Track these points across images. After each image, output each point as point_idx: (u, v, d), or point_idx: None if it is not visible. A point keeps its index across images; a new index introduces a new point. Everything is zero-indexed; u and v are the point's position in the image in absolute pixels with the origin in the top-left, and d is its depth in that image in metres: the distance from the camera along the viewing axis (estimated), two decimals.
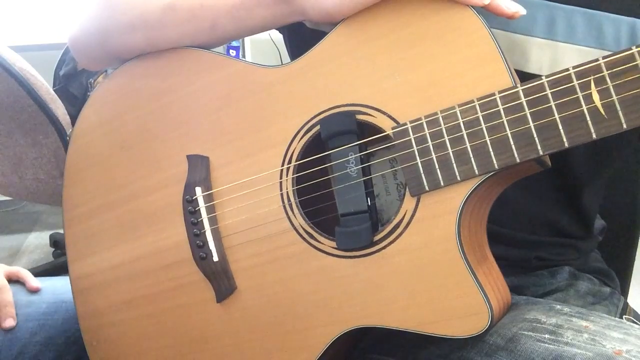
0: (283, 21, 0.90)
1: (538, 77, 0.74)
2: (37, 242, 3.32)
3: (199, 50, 0.94)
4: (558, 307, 0.87)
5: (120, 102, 1.00)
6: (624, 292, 1.19)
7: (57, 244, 3.06)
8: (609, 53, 0.70)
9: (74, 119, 2.17)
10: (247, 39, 2.50)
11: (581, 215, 1.02)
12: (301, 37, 0.98)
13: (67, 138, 2.07)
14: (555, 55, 0.86)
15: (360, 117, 0.83)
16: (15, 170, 2.21)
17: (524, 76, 0.78)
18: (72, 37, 1.04)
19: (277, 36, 1.08)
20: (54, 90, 2.16)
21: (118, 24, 0.97)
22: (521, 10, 0.78)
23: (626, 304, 1.04)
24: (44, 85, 2.06)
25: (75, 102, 2.66)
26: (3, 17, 3.10)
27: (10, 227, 3.47)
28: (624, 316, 1.01)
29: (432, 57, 0.79)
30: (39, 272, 2.38)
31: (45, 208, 3.36)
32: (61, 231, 3.15)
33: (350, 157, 0.84)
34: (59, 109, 2.09)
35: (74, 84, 2.70)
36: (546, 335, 0.79)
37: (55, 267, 2.80)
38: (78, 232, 1.04)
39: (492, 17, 0.78)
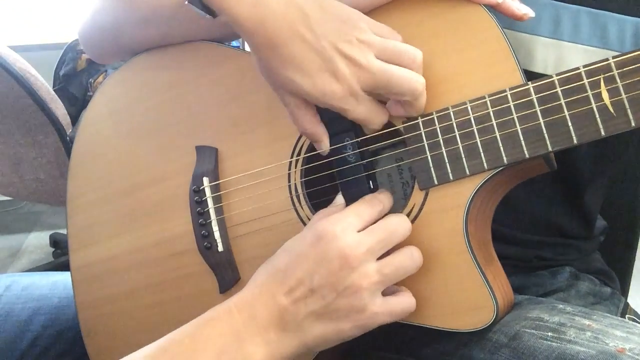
0: None
1: (543, 76, 0.75)
2: (37, 242, 3.31)
3: (211, 43, 0.95)
4: (561, 306, 0.88)
5: (131, 93, 1.01)
6: (624, 292, 1.19)
7: (57, 244, 3.05)
8: (616, 53, 0.71)
9: (74, 119, 2.18)
10: None
11: (583, 215, 1.03)
12: None
13: (67, 138, 2.07)
14: (560, 55, 0.87)
15: None
16: (15, 170, 2.21)
17: (529, 75, 0.79)
18: (82, 31, 1.04)
19: None
20: (54, 90, 2.16)
21: (132, 19, 0.97)
22: (530, 13, 0.79)
23: (627, 304, 1.04)
24: (44, 85, 2.06)
25: (75, 102, 2.66)
26: (3, 17, 3.10)
27: (10, 227, 3.45)
28: (625, 316, 1.02)
29: (444, 54, 0.80)
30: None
31: (45, 208, 3.35)
32: (61, 231, 3.16)
33: (346, 142, 0.84)
34: (59, 109, 2.10)
35: (74, 84, 2.71)
36: (549, 333, 0.80)
37: (55, 267, 2.79)
38: (81, 221, 1.05)
39: (499, 16, 0.79)
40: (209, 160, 0.93)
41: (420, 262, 0.79)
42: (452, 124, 0.78)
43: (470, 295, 0.78)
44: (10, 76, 1.98)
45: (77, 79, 2.71)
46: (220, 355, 0.73)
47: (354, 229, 0.77)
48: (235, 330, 0.74)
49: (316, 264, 0.75)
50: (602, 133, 0.72)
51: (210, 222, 0.93)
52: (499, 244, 0.86)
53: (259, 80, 0.90)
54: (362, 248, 0.76)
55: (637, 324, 0.82)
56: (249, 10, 0.76)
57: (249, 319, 0.75)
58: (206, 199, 0.93)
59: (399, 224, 0.79)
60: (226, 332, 0.74)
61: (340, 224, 0.77)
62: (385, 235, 0.78)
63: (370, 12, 0.84)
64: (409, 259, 0.79)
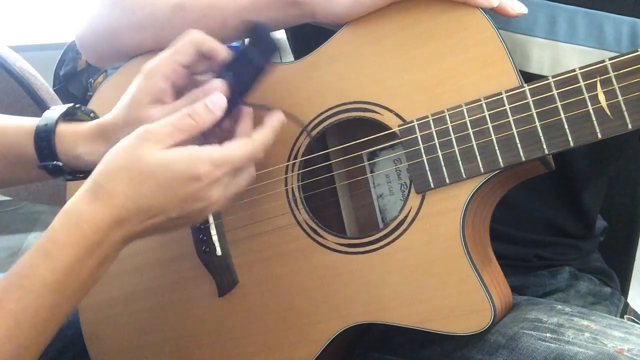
0: (292, 23, 0.91)
1: (539, 77, 0.75)
2: None
3: None
4: (559, 307, 0.88)
5: None
6: (624, 292, 1.19)
7: None
8: (614, 54, 0.71)
9: None
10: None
11: (582, 215, 1.02)
12: (304, 35, 0.99)
13: None
14: (556, 56, 0.87)
15: (367, 114, 0.84)
16: None
17: (525, 76, 0.79)
18: (80, 35, 1.04)
19: (277, 36, 1.08)
20: (54, 90, 2.16)
21: (127, 23, 0.97)
22: (524, 10, 0.80)
23: (626, 304, 1.04)
24: (44, 85, 2.06)
25: (75, 102, 2.65)
26: (3, 17, 3.10)
27: (10, 227, 3.44)
28: (624, 316, 1.02)
29: (440, 56, 0.80)
30: None
31: (45, 208, 3.33)
32: None
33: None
34: None
35: (74, 84, 2.71)
36: (547, 334, 0.80)
37: None
38: None
39: (494, 17, 0.79)
40: None
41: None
42: (448, 127, 0.78)
43: (467, 298, 0.78)
44: (10, 76, 1.97)
45: (77, 79, 2.71)
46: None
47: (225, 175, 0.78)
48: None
49: (181, 204, 0.77)
50: (599, 136, 0.72)
51: (208, 226, 0.93)
52: (498, 243, 0.86)
53: None
54: (225, 194, 0.79)
55: (636, 325, 0.82)
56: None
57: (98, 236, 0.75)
58: None
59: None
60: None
61: (219, 169, 0.77)
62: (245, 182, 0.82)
63: (367, 15, 0.84)
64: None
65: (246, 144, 0.80)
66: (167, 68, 0.84)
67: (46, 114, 0.91)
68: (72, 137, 0.88)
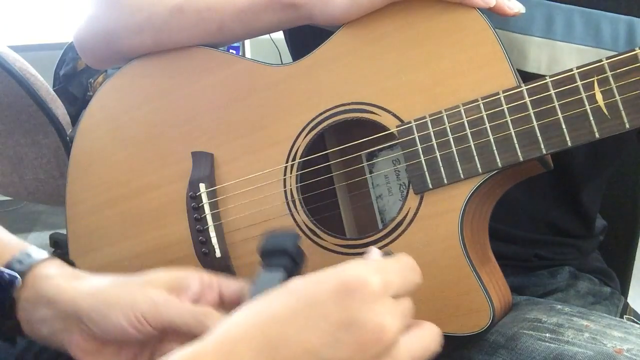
0: (290, 25, 0.91)
1: (536, 76, 0.74)
2: (37, 242, 3.25)
3: (206, 48, 0.95)
4: (559, 306, 0.88)
5: (127, 98, 1.00)
6: (624, 292, 1.19)
7: (57, 244, 3.04)
8: (611, 53, 0.71)
9: (74, 119, 2.18)
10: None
11: (581, 214, 1.02)
12: (302, 36, 0.99)
13: (67, 138, 2.07)
14: (553, 55, 0.87)
15: (365, 115, 0.84)
16: (15, 170, 2.21)
17: (522, 75, 0.79)
18: (77, 36, 1.04)
19: (277, 36, 1.09)
20: (54, 90, 2.16)
21: (125, 26, 0.97)
22: (522, 9, 0.80)
23: (626, 304, 1.04)
24: (44, 85, 2.06)
25: (75, 102, 2.66)
26: (3, 17, 3.10)
27: (10, 227, 3.43)
28: (624, 316, 1.01)
29: (437, 56, 0.79)
30: None
31: (45, 208, 3.33)
32: (61, 231, 3.15)
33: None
34: (59, 109, 2.10)
35: (74, 84, 2.71)
36: (547, 334, 0.80)
37: None
38: (81, 228, 1.04)
39: (491, 16, 0.79)
40: (204, 166, 0.93)
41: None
42: (445, 127, 0.78)
43: (466, 299, 0.78)
44: (10, 76, 1.98)
45: (77, 79, 2.71)
46: None
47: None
48: None
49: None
50: (597, 135, 0.72)
51: (208, 228, 0.92)
52: (497, 242, 0.86)
53: (253, 85, 0.91)
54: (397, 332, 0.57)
55: (635, 325, 0.82)
56: None
57: None
58: (203, 205, 0.93)
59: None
60: None
61: (390, 317, 0.56)
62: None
63: (364, 16, 0.84)
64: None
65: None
66: (207, 277, 0.71)
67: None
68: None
